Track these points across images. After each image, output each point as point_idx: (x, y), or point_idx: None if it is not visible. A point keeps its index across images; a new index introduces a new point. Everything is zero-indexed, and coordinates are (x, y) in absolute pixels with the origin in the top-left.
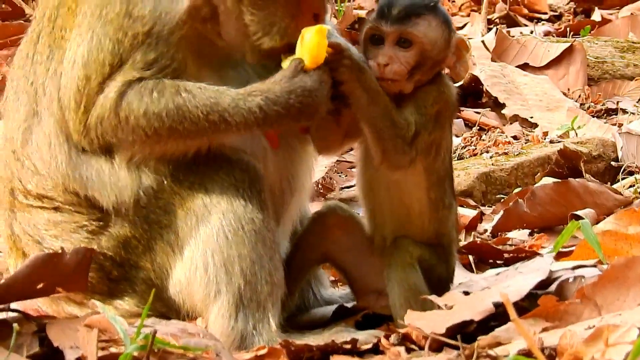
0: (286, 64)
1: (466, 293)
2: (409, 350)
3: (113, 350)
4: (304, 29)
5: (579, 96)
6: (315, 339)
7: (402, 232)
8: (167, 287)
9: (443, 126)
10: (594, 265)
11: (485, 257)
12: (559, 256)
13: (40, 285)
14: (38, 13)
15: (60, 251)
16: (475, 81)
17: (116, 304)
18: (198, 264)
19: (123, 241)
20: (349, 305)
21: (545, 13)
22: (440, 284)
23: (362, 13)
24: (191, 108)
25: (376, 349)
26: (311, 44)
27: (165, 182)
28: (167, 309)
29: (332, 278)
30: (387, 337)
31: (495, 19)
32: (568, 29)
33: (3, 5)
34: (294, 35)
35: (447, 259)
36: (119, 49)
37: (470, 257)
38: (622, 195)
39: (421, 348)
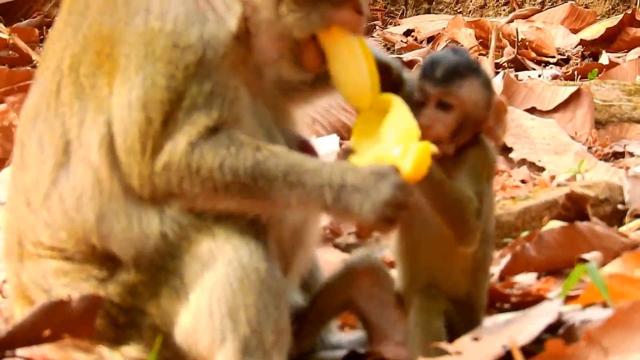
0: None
1: (475, 339)
2: None
3: None
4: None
5: (586, 139)
6: None
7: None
8: (173, 333)
9: (491, 187)
10: (602, 309)
11: (493, 301)
12: (567, 300)
13: (47, 332)
14: (49, 62)
15: (67, 298)
16: None
17: (123, 351)
18: (203, 311)
19: (130, 287)
20: (361, 351)
21: (553, 56)
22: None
23: None
24: (270, 165)
25: None
26: (418, 159)
27: (179, 228)
28: (173, 355)
29: (338, 322)
30: None
31: (503, 62)
32: (576, 72)
33: (10, 52)
34: (332, 22)
35: (471, 319)
36: (174, 84)
37: None
38: (629, 238)
39: None
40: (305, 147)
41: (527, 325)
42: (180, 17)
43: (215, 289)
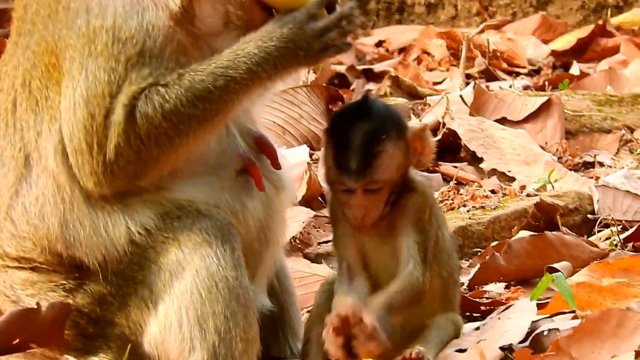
0: None
1: (461, 351)
2: None
3: None
4: None
5: (557, 150)
6: None
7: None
8: (142, 343)
9: (436, 217)
10: (570, 318)
11: (463, 310)
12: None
13: (15, 341)
14: (3, 84)
15: (36, 306)
16: (453, 135)
17: None
18: (172, 321)
19: (98, 298)
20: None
21: (525, 67)
22: None
23: (341, 68)
24: (198, 84)
25: None
26: None
27: (145, 235)
28: None
29: None
30: None
31: (474, 73)
32: (547, 82)
33: None
34: None
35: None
36: (115, 77)
37: None
38: (598, 247)
39: None
40: (262, 144)
41: (513, 325)
42: (119, 9)
43: (183, 299)
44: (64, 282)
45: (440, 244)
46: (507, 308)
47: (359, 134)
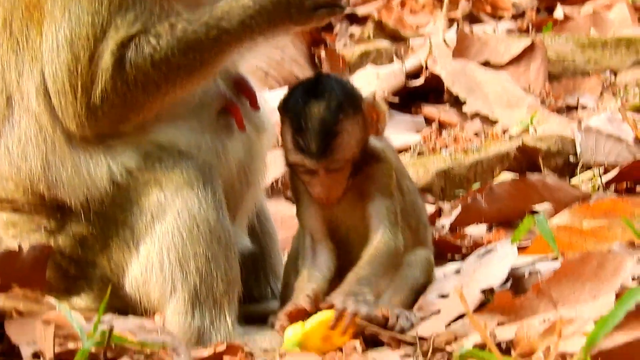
0: None
1: (443, 296)
2: (367, 345)
3: (71, 346)
4: None
5: (540, 93)
6: (273, 335)
7: None
8: (123, 284)
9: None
10: (551, 260)
11: (444, 252)
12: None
13: None
14: None
15: (17, 248)
16: (436, 79)
17: (73, 301)
18: (154, 262)
19: (80, 239)
20: None
21: (508, 10)
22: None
23: None
24: (190, 34)
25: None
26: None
27: (126, 177)
28: (124, 305)
29: None
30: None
31: (458, 16)
32: (530, 26)
33: None
34: None
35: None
36: (99, 20)
37: None
38: (580, 190)
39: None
40: (241, 85)
41: (493, 268)
42: None
43: (165, 240)
44: (46, 223)
45: (405, 197)
46: (487, 251)
47: (316, 115)
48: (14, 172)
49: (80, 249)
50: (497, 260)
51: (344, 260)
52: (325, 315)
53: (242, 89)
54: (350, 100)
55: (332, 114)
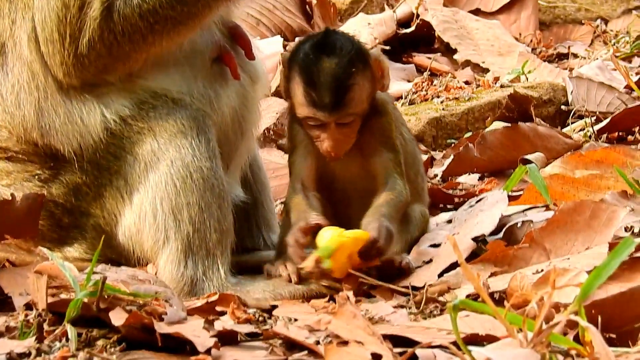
0: None
1: (435, 245)
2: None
3: (63, 296)
4: None
5: (531, 41)
6: (265, 286)
7: None
8: (116, 233)
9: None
10: (543, 210)
11: (436, 202)
12: (508, 200)
13: None
14: None
15: (10, 198)
16: (427, 27)
17: (66, 251)
18: (147, 211)
19: (73, 188)
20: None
21: None
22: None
23: None
24: None
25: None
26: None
27: (120, 124)
28: (117, 255)
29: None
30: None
31: None
32: None
33: None
34: None
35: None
36: None
37: None
38: (571, 139)
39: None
40: (236, 34)
41: (485, 217)
42: None
43: (158, 189)
44: (39, 172)
45: (405, 148)
46: (479, 200)
47: (329, 69)
48: (7, 120)
49: (74, 198)
50: (488, 208)
51: (342, 215)
52: (359, 234)
53: (236, 37)
54: (360, 55)
55: (344, 68)
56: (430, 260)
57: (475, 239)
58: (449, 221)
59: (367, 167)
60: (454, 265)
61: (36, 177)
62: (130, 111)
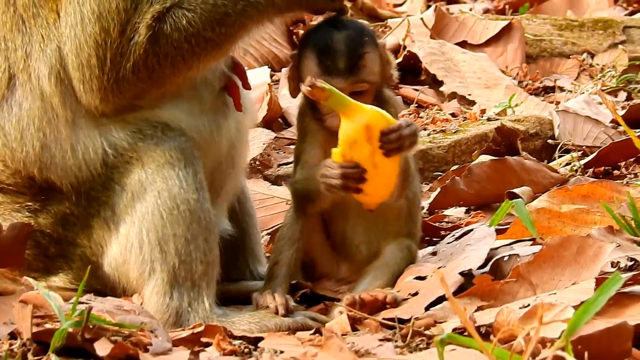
0: None
1: (421, 278)
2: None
3: (48, 326)
4: None
5: (517, 74)
6: (251, 317)
7: (378, 238)
8: (102, 264)
9: None
10: (530, 243)
11: (423, 235)
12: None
13: None
14: None
15: None
16: (414, 58)
17: (51, 281)
18: (133, 242)
19: (61, 218)
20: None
21: None
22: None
23: None
24: (220, 7)
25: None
26: None
27: (116, 156)
28: (102, 286)
29: (269, 254)
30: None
31: None
32: (507, 6)
33: None
34: None
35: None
36: None
37: None
38: (558, 173)
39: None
40: (233, 63)
41: (472, 252)
42: None
43: (145, 220)
44: (29, 203)
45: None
46: (464, 233)
47: (342, 39)
48: (7, 154)
49: (61, 228)
50: (475, 243)
51: (337, 232)
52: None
53: (235, 68)
54: (370, 33)
55: (357, 39)
56: (416, 293)
57: (462, 274)
58: (434, 253)
59: None
60: (440, 299)
61: (26, 207)
62: (127, 143)
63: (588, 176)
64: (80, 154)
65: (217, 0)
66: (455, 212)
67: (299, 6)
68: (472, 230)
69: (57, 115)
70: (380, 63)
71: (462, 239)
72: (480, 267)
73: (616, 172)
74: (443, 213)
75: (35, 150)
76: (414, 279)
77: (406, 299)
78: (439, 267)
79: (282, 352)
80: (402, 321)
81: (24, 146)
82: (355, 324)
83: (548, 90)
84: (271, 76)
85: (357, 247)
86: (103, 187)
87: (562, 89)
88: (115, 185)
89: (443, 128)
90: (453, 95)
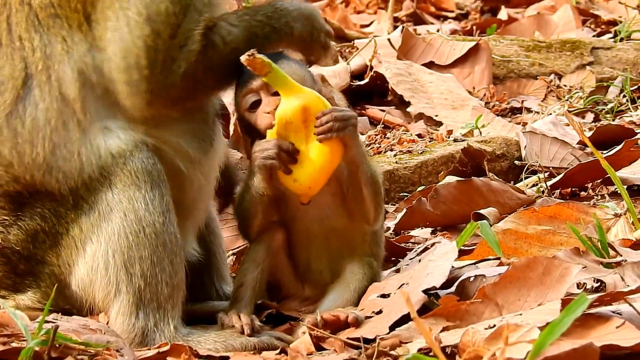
0: None
1: (384, 296)
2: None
3: (14, 345)
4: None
5: (484, 95)
6: (217, 337)
7: (342, 261)
8: (70, 283)
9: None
10: (496, 264)
11: (388, 255)
12: (460, 255)
13: None
14: None
15: None
16: (381, 79)
17: (19, 300)
18: (100, 263)
19: (32, 234)
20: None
21: (452, 11)
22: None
23: None
24: (253, 26)
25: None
26: None
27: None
28: (70, 305)
29: (234, 274)
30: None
31: (402, 16)
32: (474, 27)
33: None
34: None
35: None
36: None
37: None
38: (525, 194)
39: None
40: None
41: (435, 267)
42: None
43: (111, 241)
44: (5, 217)
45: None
46: (424, 249)
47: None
48: (14, 158)
49: (32, 245)
50: (437, 258)
51: (300, 258)
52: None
53: None
54: (295, 59)
55: (272, 53)
56: (380, 312)
57: (426, 291)
58: (397, 270)
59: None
60: (405, 318)
61: (0, 222)
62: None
63: (555, 197)
64: (84, 158)
65: (251, 22)
66: (421, 233)
67: (310, 33)
68: (433, 244)
69: (73, 118)
70: (310, 79)
71: (424, 255)
72: (446, 287)
73: (583, 193)
74: (409, 234)
75: (45, 152)
76: (378, 296)
77: (370, 317)
78: (402, 284)
79: None
80: (367, 341)
81: (34, 147)
82: (319, 342)
83: (515, 111)
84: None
85: (320, 273)
86: (72, 204)
87: (529, 110)
88: (84, 203)
89: (409, 149)
90: (420, 116)
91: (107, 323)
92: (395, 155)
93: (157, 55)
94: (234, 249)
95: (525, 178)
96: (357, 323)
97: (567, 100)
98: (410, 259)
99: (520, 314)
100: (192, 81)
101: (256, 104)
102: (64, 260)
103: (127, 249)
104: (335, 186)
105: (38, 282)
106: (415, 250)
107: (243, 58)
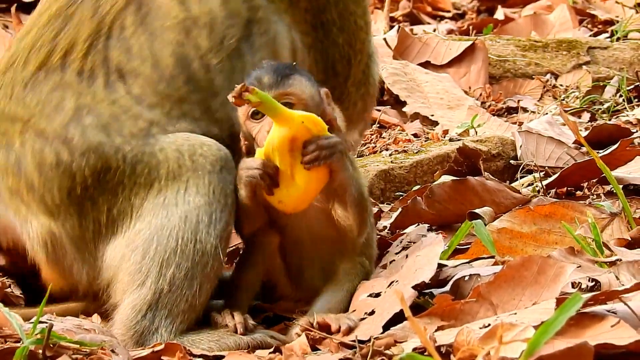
0: None
1: (377, 295)
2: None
3: (9, 345)
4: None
5: (480, 94)
6: (210, 336)
7: (334, 264)
8: (104, 244)
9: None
10: (491, 263)
11: (383, 254)
12: (455, 254)
13: None
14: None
15: None
16: None
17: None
18: (139, 246)
19: (104, 168)
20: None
21: (449, 11)
22: None
23: None
24: None
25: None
26: None
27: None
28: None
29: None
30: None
31: (398, 16)
32: (471, 27)
33: None
34: None
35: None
36: (363, 22)
37: None
38: (520, 193)
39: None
40: None
41: (423, 262)
42: None
43: (161, 234)
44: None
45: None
46: (409, 243)
47: (273, 65)
48: (90, 148)
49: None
50: (424, 253)
51: (292, 266)
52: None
53: None
54: (306, 73)
55: (285, 65)
56: (373, 312)
57: (416, 287)
58: (383, 266)
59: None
60: (398, 316)
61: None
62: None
63: (550, 197)
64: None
65: None
66: (415, 230)
67: None
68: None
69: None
70: (318, 99)
71: (410, 249)
72: (441, 286)
73: (579, 192)
74: (404, 232)
75: (117, 142)
76: (368, 296)
77: (363, 319)
78: (392, 282)
79: None
80: (361, 341)
81: (109, 138)
82: (315, 343)
83: (511, 111)
84: None
85: (312, 278)
86: (143, 175)
87: (525, 110)
88: (155, 181)
89: (405, 148)
90: (415, 116)
91: (109, 316)
92: (390, 155)
93: (353, 70)
94: (228, 248)
95: (521, 177)
96: (351, 331)
97: (563, 99)
98: (396, 254)
99: (515, 313)
100: (357, 104)
101: (256, 114)
102: (112, 215)
103: (170, 250)
104: (323, 201)
105: (81, 219)
106: (399, 243)
107: (230, 97)
